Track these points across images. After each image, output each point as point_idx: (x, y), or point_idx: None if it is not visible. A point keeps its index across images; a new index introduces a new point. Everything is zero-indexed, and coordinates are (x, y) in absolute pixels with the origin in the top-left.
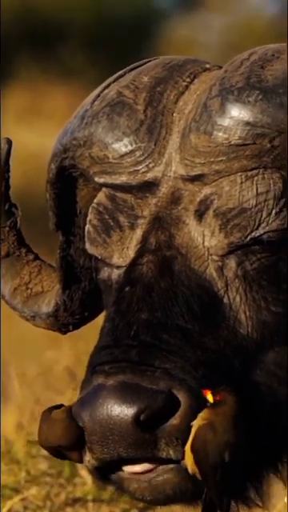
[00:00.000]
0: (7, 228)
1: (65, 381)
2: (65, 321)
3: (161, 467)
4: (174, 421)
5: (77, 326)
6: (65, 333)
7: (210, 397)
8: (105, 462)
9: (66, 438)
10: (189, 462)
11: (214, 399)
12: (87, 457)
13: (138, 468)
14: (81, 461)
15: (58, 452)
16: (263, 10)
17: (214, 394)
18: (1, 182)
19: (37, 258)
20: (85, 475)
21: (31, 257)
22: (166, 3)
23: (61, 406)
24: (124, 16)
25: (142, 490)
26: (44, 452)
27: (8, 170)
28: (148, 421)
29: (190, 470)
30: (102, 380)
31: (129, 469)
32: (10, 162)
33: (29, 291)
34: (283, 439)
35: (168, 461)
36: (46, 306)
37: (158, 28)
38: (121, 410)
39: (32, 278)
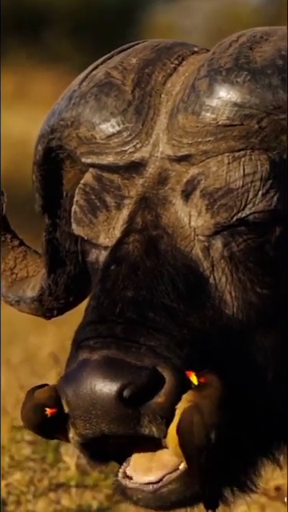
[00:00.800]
0: None
1: (49, 366)
2: (49, 305)
3: (166, 477)
4: (159, 399)
5: (61, 311)
6: (49, 318)
7: (194, 378)
8: (87, 438)
9: (48, 418)
10: (172, 444)
11: (198, 381)
12: (71, 433)
13: (144, 480)
14: (67, 440)
15: (43, 431)
16: None
17: (198, 376)
18: None
19: (22, 244)
20: (68, 461)
21: (16, 242)
22: None
23: (44, 385)
24: (110, 1)
25: (147, 501)
26: (28, 437)
27: None
28: (131, 397)
29: (172, 452)
30: (86, 355)
31: (134, 482)
32: None
33: (14, 276)
34: (278, 423)
35: (150, 438)
36: (31, 290)
37: (144, 13)
38: (104, 385)
39: (17, 263)
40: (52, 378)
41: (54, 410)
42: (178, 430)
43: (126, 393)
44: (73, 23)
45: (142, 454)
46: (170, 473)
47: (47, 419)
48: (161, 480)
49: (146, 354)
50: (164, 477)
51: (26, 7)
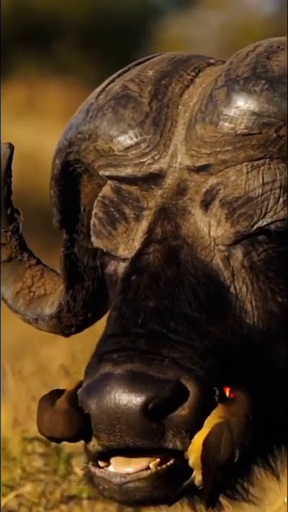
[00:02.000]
0: (9, 233)
1: (60, 378)
2: (68, 322)
3: (134, 474)
4: (183, 411)
5: (80, 328)
6: (68, 335)
7: (227, 393)
8: (111, 449)
9: (71, 431)
10: (194, 455)
11: (228, 397)
12: (92, 442)
13: (130, 469)
14: (75, 440)
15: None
16: (260, 8)
17: (229, 392)
18: (2, 187)
19: (39, 262)
20: (80, 473)
21: (33, 261)
22: (161, 1)
23: (55, 391)
24: (119, 13)
25: (112, 492)
26: (39, 449)
27: (10, 175)
28: (156, 410)
29: (191, 463)
30: (109, 368)
31: (102, 472)
32: (12, 167)
33: (31, 294)
34: (279, 431)
35: (174, 452)
36: (49, 307)
37: (154, 25)
38: (129, 399)
39: (35, 281)
40: None
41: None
42: (205, 443)
43: (150, 406)
44: (83, 35)
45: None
46: (140, 470)
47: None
48: (129, 474)
49: (169, 367)
50: (135, 473)
51: (36, 19)
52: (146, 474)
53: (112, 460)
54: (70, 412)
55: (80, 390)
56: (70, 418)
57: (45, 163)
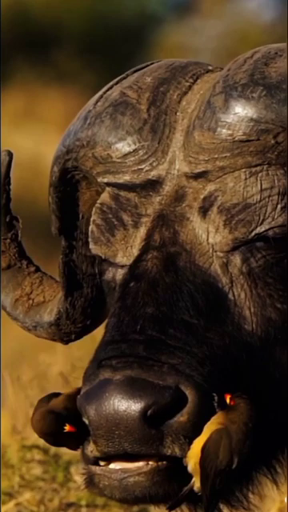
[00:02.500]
0: (8, 240)
1: (59, 386)
2: (67, 329)
3: (134, 469)
4: (181, 417)
5: (79, 336)
6: (67, 342)
7: (227, 400)
8: (109, 455)
9: (48, 428)
10: (192, 460)
11: (228, 404)
12: (90, 447)
13: (130, 465)
14: (76, 448)
15: (55, 439)
16: (258, 16)
17: (230, 399)
18: (1, 195)
19: (38, 269)
20: (79, 480)
21: (32, 268)
22: (160, 8)
23: (58, 394)
24: (118, 21)
25: (112, 489)
26: (38, 457)
27: (9, 183)
28: (155, 416)
29: (190, 469)
30: (108, 375)
31: (102, 469)
32: (11, 174)
33: (30, 301)
34: (280, 438)
35: (172, 458)
36: (48, 315)
37: (152, 33)
38: (128, 405)
39: (33, 288)
40: None
41: (73, 429)
42: (204, 449)
43: (149, 413)
44: (82, 43)
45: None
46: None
47: (61, 430)
48: (129, 470)
49: (168, 373)
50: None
51: (36, 27)
52: (146, 468)
53: (111, 464)
54: (61, 411)
55: (79, 396)
56: (52, 416)
57: (44, 171)
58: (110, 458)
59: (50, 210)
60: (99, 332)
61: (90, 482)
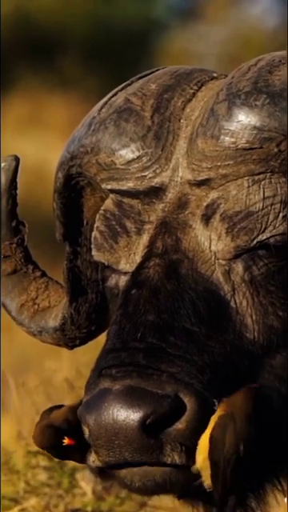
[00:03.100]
0: (14, 245)
1: (64, 391)
2: (72, 335)
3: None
4: (180, 425)
5: (84, 341)
6: (72, 348)
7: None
8: (110, 464)
9: (48, 441)
10: (201, 456)
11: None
12: (92, 457)
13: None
14: (82, 461)
15: (58, 452)
16: (262, 22)
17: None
18: (7, 199)
19: (44, 274)
20: (84, 486)
21: (38, 273)
22: (164, 14)
23: (61, 406)
24: (122, 26)
25: (132, 475)
26: (44, 463)
27: (15, 188)
28: (154, 425)
29: (198, 465)
30: (108, 384)
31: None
32: (17, 179)
33: (36, 307)
34: (281, 447)
35: (173, 466)
36: (53, 320)
37: (156, 39)
38: (127, 415)
39: (39, 293)
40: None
41: (72, 442)
42: (211, 439)
43: (148, 422)
44: (85, 48)
45: None
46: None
47: (60, 443)
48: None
49: (167, 381)
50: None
51: (40, 33)
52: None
53: None
54: (61, 424)
55: (72, 404)
56: (51, 430)
57: (47, 176)
58: (111, 468)
59: (54, 215)
60: (104, 337)
61: (109, 473)
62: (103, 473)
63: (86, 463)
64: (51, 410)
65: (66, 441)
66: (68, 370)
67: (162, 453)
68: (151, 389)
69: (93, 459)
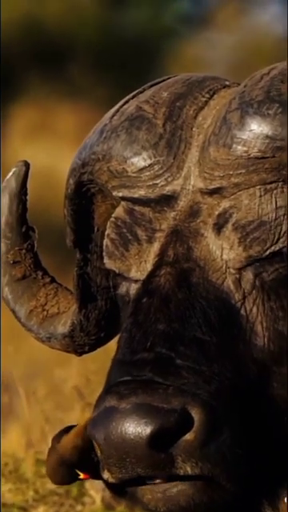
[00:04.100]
0: (24, 250)
1: (73, 400)
2: (81, 341)
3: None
4: (189, 437)
5: (92, 348)
6: (80, 354)
7: None
8: (124, 480)
9: (61, 479)
10: None
11: None
12: (106, 474)
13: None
14: (97, 477)
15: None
16: (271, 28)
17: None
18: (17, 205)
19: (53, 280)
20: (93, 495)
21: (48, 279)
22: (174, 22)
23: (67, 429)
24: (132, 35)
25: (156, 501)
26: None
27: (25, 193)
28: (163, 441)
29: None
30: (114, 402)
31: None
32: (27, 185)
33: (45, 313)
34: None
35: (186, 477)
36: (62, 326)
37: (166, 46)
38: (134, 433)
39: (48, 299)
40: (76, 412)
41: (87, 476)
42: None
43: (157, 438)
44: (96, 57)
45: None
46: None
47: (76, 478)
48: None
49: (173, 395)
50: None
51: (49, 41)
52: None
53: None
54: (71, 456)
55: (89, 422)
56: (64, 468)
57: (57, 184)
58: (125, 484)
59: (64, 222)
60: (113, 345)
61: (132, 497)
62: (121, 492)
63: (101, 479)
64: (60, 435)
65: (81, 476)
66: (77, 378)
67: (174, 466)
68: (157, 404)
69: (106, 476)
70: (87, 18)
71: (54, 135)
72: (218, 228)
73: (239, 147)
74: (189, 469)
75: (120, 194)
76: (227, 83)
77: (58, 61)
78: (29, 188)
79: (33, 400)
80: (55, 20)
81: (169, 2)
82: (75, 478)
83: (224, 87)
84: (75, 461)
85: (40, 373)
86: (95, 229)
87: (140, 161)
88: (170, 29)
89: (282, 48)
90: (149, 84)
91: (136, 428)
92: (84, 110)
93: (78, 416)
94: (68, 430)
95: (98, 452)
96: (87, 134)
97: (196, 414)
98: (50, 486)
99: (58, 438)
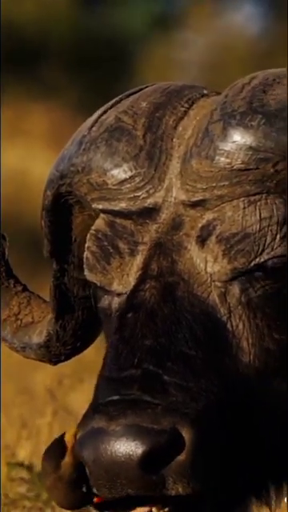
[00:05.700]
0: None
1: (46, 403)
2: (56, 351)
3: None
4: (180, 457)
5: (68, 357)
6: (55, 363)
7: None
8: (113, 499)
9: (72, 502)
10: None
11: None
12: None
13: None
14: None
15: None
16: (243, 29)
17: None
18: None
19: (25, 289)
20: None
21: (20, 288)
22: (146, 23)
23: (60, 445)
24: (105, 35)
25: None
26: (23, 475)
27: None
28: (154, 462)
29: None
30: (103, 424)
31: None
32: None
33: (18, 322)
34: (276, 468)
35: (177, 497)
36: (37, 336)
37: (139, 47)
38: (125, 456)
39: (21, 308)
40: (48, 414)
41: (101, 499)
42: None
43: (147, 460)
44: (69, 58)
45: None
46: None
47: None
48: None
49: (162, 415)
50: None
51: (23, 42)
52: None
53: None
54: (75, 478)
55: (76, 442)
56: (70, 490)
57: (29, 186)
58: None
59: (42, 233)
60: (88, 351)
61: None
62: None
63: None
64: (50, 457)
65: (95, 500)
66: (50, 381)
67: (165, 487)
68: (147, 425)
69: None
70: (61, 19)
71: (27, 136)
72: (202, 241)
73: (222, 159)
74: (180, 489)
75: (100, 207)
76: (205, 92)
77: (31, 62)
78: (2, 190)
79: (5, 403)
80: (29, 20)
81: (142, 3)
82: (87, 502)
83: (203, 96)
84: (75, 478)
85: (13, 375)
86: (72, 239)
87: (121, 173)
88: (143, 29)
89: (255, 48)
90: (126, 93)
91: (126, 450)
92: (57, 111)
93: (50, 419)
94: (54, 447)
95: (87, 471)
96: (60, 136)
97: (186, 434)
98: (21, 489)
99: (49, 460)
